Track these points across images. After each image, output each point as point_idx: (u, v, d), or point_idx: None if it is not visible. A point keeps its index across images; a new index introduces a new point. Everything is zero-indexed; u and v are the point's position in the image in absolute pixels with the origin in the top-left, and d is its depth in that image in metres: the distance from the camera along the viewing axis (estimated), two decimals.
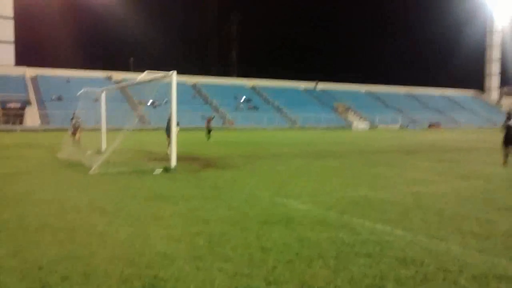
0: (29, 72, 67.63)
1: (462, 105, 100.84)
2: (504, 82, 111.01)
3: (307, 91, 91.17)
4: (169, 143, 16.72)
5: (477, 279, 4.53)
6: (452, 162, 16.10)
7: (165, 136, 16.95)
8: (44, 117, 57.38)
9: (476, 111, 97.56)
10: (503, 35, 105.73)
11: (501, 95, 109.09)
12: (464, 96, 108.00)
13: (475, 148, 24.51)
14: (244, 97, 79.52)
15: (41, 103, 60.97)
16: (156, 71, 14.09)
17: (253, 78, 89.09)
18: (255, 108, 77.35)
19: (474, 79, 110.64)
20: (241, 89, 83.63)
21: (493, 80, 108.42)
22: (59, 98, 62.49)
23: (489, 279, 4.53)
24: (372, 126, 76.09)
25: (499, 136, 15.71)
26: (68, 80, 68.19)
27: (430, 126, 79.09)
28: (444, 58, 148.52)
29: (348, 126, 75.35)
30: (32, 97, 61.24)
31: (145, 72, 14.36)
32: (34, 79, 66.97)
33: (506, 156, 15.07)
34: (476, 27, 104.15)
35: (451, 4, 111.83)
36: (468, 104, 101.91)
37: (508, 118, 15.30)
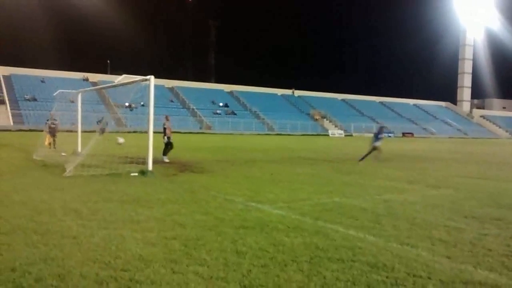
0: (3, 71, 66.31)
1: (434, 115, 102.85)
2: (475, 94, 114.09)
3: (284, 97, 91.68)
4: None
5: (445, 284, 4.68)
6: (423, 171, 16.44)
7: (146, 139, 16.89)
8: (17, 117, 56.23)
9: (448, 121, 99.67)
10: (474, 49, 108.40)
11: (472, 107, 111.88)
12: (436, 107, 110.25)
13: (446, 158, 25.06)
14: (221, 103, 79.49)
15: (14, 103, 59.74)
16: (133, 76, 14.05)
17: (231, 84, 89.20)
18: (233, 113, 77.36)
19: (447, 91, 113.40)
20: (219, 94, 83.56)
21: (465, 93, 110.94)
22: (33, 98, 61.38)
23: (456, 284, 4.69)
24: (348, 134, 76.99)
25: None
26: (43, 80, 67.10)
27: (404, 135, 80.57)
28: (419, 72, 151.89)
29: (324, 132, 76.06)
30: (5, 96, 59.94)
31: (123, 76, 14.30)
32: (8, 78, 65.62)
33: None
34: (450, 41, 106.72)
35: (426, 18, 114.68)
36: (441, 115, 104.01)
37: None
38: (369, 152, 18.81)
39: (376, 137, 18.97)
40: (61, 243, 5.80)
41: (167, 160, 17.22)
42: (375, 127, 21.56)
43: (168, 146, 17.83)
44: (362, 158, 18.59)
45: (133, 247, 5.65)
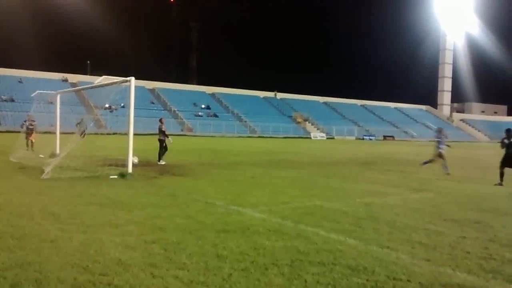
0: None
1: (415, 118, 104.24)
2: (455, 98, 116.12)
3: (266, 100, 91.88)
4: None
5: (424, 287, 4.73)
6: (404, 175, 16.60)
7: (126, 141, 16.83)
8: None
9: (428, 125, 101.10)
10: (454, 54, 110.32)
11: (452, 111, 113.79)
12: (417, 110, 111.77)
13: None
14: (203, 105, 79.32)
15: None
16: (114, 77, 13.91)
17: (213, 86, 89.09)
18: (215, 115, 77.22)
19: (427, 95, 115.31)
20: (200, 96, 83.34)
21: (445, 96, 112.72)
22: (11, 99, 60.34)
23: (435, 287, 4.74)
24: (329, 137, 77.48)
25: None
26: (20, 81, 66.03)
27: (385, 138, 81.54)
28: (401, 75, 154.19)
29: (306, 135, 76.40)
30: None
31: (103, 77, 14.15)
32: None
33: (502, 175, 13.92)
34: (431, 46, 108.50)
35: (407, 23, 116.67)
36: (421, 118, 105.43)
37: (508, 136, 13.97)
38: (444, 160, 17.18)
39: (439, 142, 17.56)
40: (38, 247, 5.69)
41: (163, 163, 17.57)
42: (433, 133, 19.56)
43: (163, 149, 18.09)
44: (447, 172, 16.76)
45: (112, 251, 5.57)
